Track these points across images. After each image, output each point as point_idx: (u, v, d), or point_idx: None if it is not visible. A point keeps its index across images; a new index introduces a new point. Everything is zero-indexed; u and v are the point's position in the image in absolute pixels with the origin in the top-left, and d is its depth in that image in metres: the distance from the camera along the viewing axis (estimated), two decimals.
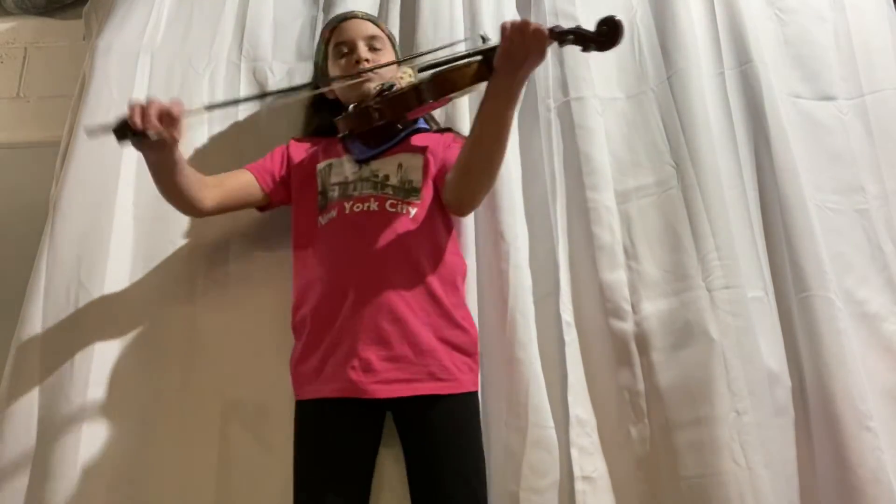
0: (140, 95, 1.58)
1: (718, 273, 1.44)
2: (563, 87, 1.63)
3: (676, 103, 1.59)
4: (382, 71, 1.38)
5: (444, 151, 1.39)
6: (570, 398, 1.37)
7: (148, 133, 1.11)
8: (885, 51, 1.76)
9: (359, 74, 1.36)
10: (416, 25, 1.66)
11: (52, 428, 1.31)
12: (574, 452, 1.34)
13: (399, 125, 1.36)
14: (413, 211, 1.32)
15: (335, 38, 1.45)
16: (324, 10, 1.74)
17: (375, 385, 1.22)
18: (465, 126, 1.52)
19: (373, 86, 1.34)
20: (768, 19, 1.76)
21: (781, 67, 1.70)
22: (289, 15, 1.74)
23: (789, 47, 1.73)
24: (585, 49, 1.18)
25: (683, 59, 1.63)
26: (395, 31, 1.64)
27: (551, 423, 1.34)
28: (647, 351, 1.42)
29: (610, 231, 1.50)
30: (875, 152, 1.66)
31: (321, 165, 1.40)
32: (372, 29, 1.45)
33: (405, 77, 1.35)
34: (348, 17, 1.47)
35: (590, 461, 1.35)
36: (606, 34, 1.16)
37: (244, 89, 1.63)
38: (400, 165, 1.36)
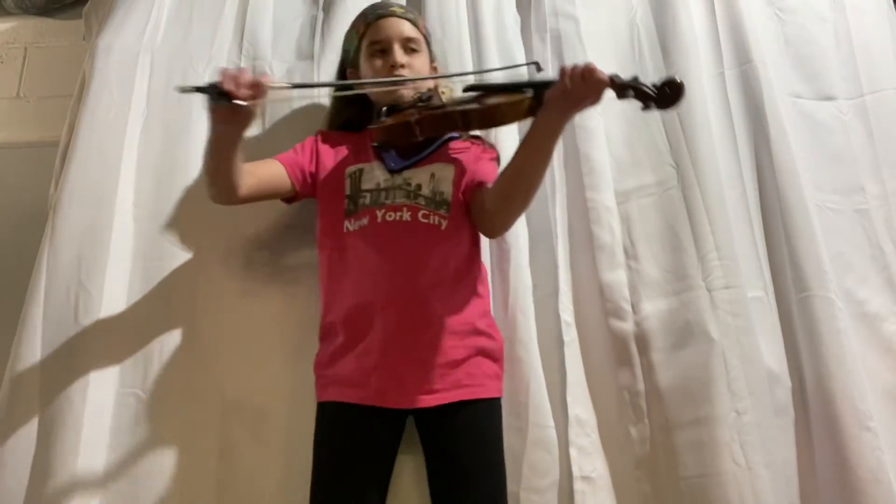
0: (140, 95, 1.58)
1: (718, 273, 1.44)
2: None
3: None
4: (418, 76, 1.38)
5: (475, 164, 1.38)
6: (569, 398, 1.37)
7: (236, 100, 1.10)
8: (885, 51, 1.76)
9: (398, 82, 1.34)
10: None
11: (53, 428, 1.31)
12: (573, 452, 1.34)
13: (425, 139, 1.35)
14: (444, 223, 1.32)
15: (371, 35, 1.41)
16: (324, 10, 1.74)
17: (403, 396, 1.23)
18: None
19: (408, 92, 1.34)
20: (768, 19, 1.76)
21: (781, 67, 1.70)
22: (289, 14, 1.74)
23: (789, 47, 1.74)
24: (646, 107, 1.17)
25: (683, 59, 1.63)
26: None
27: (552, 423, 1.34)
28: (647, 351, 1.42)
29: (610, 231, 1.50)
30: (875, 152, 1.66)
31: (351, 169, 1.37)
32: (409, 30, 1.41)
33: (445, 90, 1.33)
34: (386, 14, 1.42)
35: (589, 461, 1.35)
36: (669, 96, 1.16)
37: None
38: (432, 175, 1.34)
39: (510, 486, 1.28)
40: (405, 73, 1.36)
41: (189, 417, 1.37)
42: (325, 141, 1.43)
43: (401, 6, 1.48)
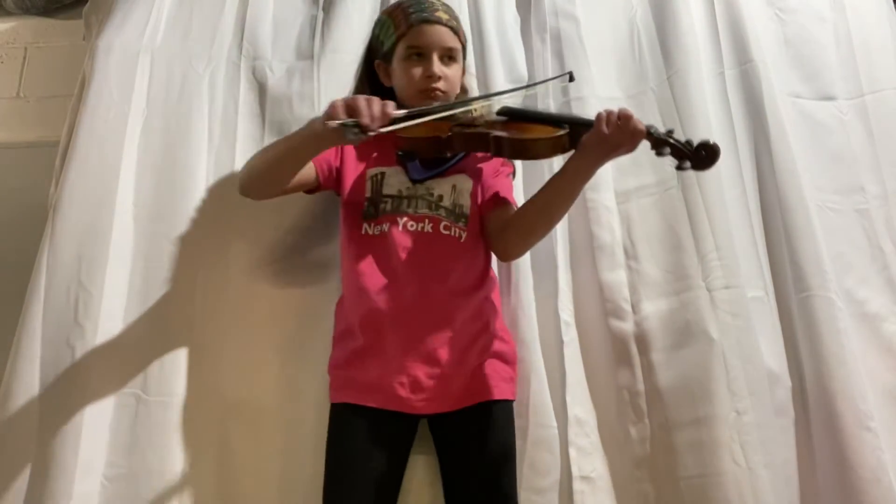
0: (140, 95, 1.58)
1: (718, 273, 1.44)
2: (564, 86, 1.63)
3: (676, 103, 1.59)
4: (451, 90, 1.37)
5: (493, 178, 1.39)
6: (568, 398, 1.37)
7: (367, 130, 1.08)
8: (885, 51, 1.76)
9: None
10: None
11: (53, 428, 1.31)
12: (573, 452, 1.34)
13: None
14: (464, 235, 1.33)
15: (411, 38, 1.37)
16: (324, 10, 1.73)
17: (421, 402, 1.24)
18: None
19: (438, 104, 1.32)
20: (768, 19, 1.76)
21: (781, 67, 1.70)
22: (289, 14, 1.74)
23: (789, 47, 1.74)
24: (680, 166, 1.17)
25: (683, 59, 1.63)
26: None
27: (553, 423, 1.34)
28: (647, 351, 1.42)
29: (610, 231, 1.50)
30: (875, 152, 1.66)
31: (373, 171, 1.36)
32: (451, 40, 1.38)
33: (479, 107, 1.32)
34: (431, 19, 1.37)
35: (588, 461, 1.35)
36: (704, 158, 1.16)
37: (244, 89, 1.62)
38: (454, 187, 1.35)
39: None
40: (441, 85, 1.35)
41: (189, 417, 1.37)
42: None
43: (446, 9, 1.43)
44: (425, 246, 1.29)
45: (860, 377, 1.40)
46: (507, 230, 1.33)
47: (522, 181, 1.54)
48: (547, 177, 1.32)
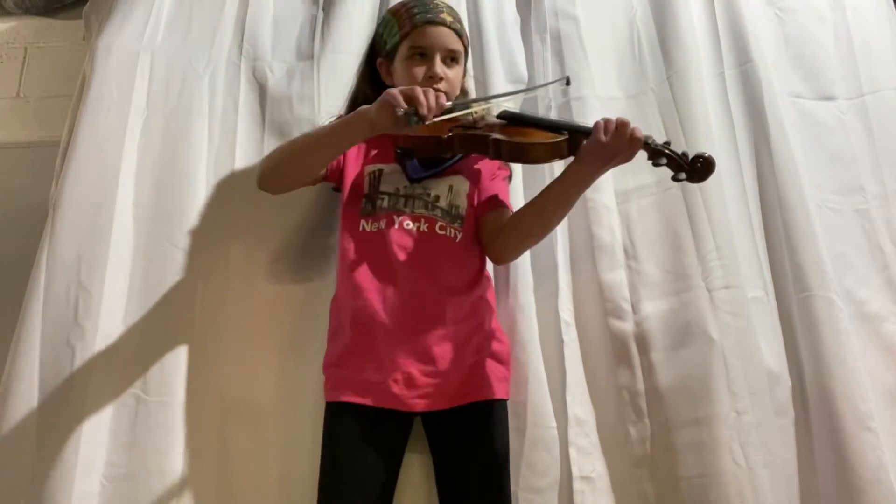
0: (140, 95, 1.58)
1: (718, 273, 1.44)
2: (563, 87, 1.63)
3: (676, 103, 1.59)
4: (452, 90, 1.38)
5: (489, 180, 1.41)
6: (568, 398, 1.37)
7: (425, 120, 1.11)
8: (885, 51, 1.76)
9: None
10: None
11: (52, 428, 1.31)
12: (573, 452, 1.34)
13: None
14: (459, 236, 1.33)
15: (414, 38, 1.38)
16: (324, 10, 1.73)
17: (416, 399, 1.24)
18: None
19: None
20: (768, 19, 1.76)
21: (781, 67, 1.70)
22: (289, 14, 1.74)
23: (789, 47, 1.74)
24: (675, 176, 1.19)
25: (683, 59, 1.63)
26: None
27: (552, 423, 1.34)
28: (647, 351, 1.41)
29: (610, 231, 1.50)
30: (875, 152, 1.66)
31: (371, 168, 1.37)
32: (454, 42, 1.40)
33: (479, 109, 1.32)
34: (436, 21, 1.39)
35: (588, 461, 1.35)
36: (700, 170, 1.18)
37: (244, 89, 1.63)
38: (451, 188, 1.36)
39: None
40: (442, 86, 1.36)
41: (189, 417, 1.37)
42: None
43: (450, 11, 1.45)
44: (421, 245, 1.30)
45: (860, 377, 1.40)
46: (501, 234, 1.34)
47: (522, 186, 1.54)
48: (547, 183, 1.33)
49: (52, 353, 1.36)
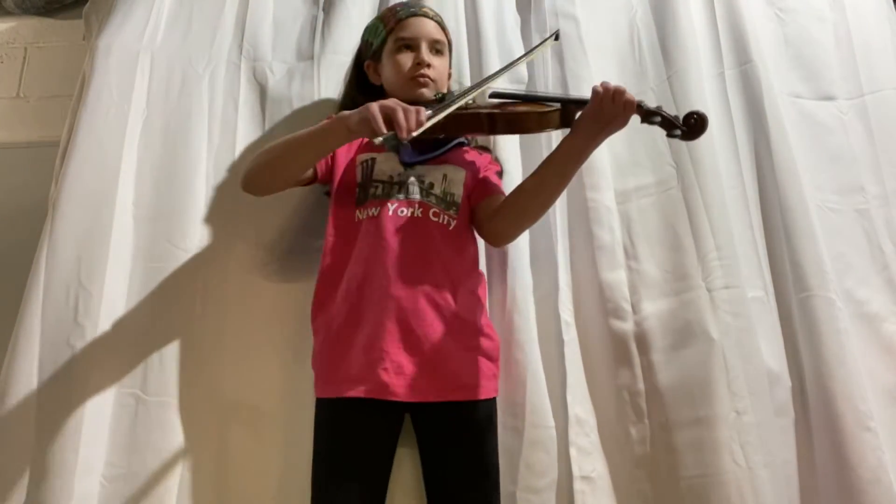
0: (140, 95, 1.58)
1: (718, 273, 1.44)
2: (564, 86, 1.63)
3: (676, 103, 1.59)
4: (440, 78, 1.40)
5: (483, 173, 1.41)
6: (569, 398, 1.37)
7: (403, 140, 1.11)
8: (885, 51, 1.76)
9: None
10: None
11: (52, 428, 1.31)
12: (573, 452, 1.34)
13: (448, 138, 1.36)
14: (453, 223, 1.33)
15: (400, 31, 1.41)
16: (324, 10, 1.74)
17: (406, 389, 1.22)
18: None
19: (427, 91, 1.36)
20: (768, 19, 1.76)
21: (781, 67, 1.70)
22: (289, 15, 1.74)
23: (789, 47, 1.74)
24: (670, 134, 1.22)
25: (683, 59, 1.63)
26: None
27: (550, 423, 1.34)
28: (647, 351, 1.42)
29: (610, 231, 1.50)
30: (875, 152, 1.66)
31: (363, 157, 1.37)
32: (438, 33, 1.43)
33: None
34: (419, 13, 1.44)
35: (589, 461, 1.35)
36: (693, 126, 1.20)
37: (244, 90, 1.63)
38: (445, 176, 1.36)
39: (507, 487, 1.29)
40: (430, 73, 1.38)
41: (188, 417, 1.37)
42: None
43: (433, 10, 1.48)
44: (414, 231, 1.29)
45: (860, 377, 1.40)
46: (499, 212, 1.34)
47: (522, 169, 1.54)
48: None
49: (52, 352, 1.36)
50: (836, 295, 1.46)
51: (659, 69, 1.66)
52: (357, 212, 1.33)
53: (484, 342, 1.30)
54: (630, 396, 1.40)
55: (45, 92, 2.00)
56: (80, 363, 1.36)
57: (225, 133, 1.58)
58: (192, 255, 1.48)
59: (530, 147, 1.57)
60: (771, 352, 1.44)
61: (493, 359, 1.31)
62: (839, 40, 1.75)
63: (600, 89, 1.20)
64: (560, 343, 1.42)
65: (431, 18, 1.45)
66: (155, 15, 1.68)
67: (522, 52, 1.70)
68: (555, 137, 1.33)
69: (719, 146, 1.57)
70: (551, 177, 1.28)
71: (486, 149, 1.50)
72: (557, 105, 1.26)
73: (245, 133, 1.58)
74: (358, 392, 1.22)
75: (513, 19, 1.76)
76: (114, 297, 1.42)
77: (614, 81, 1.64)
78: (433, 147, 1.36)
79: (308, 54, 1.68)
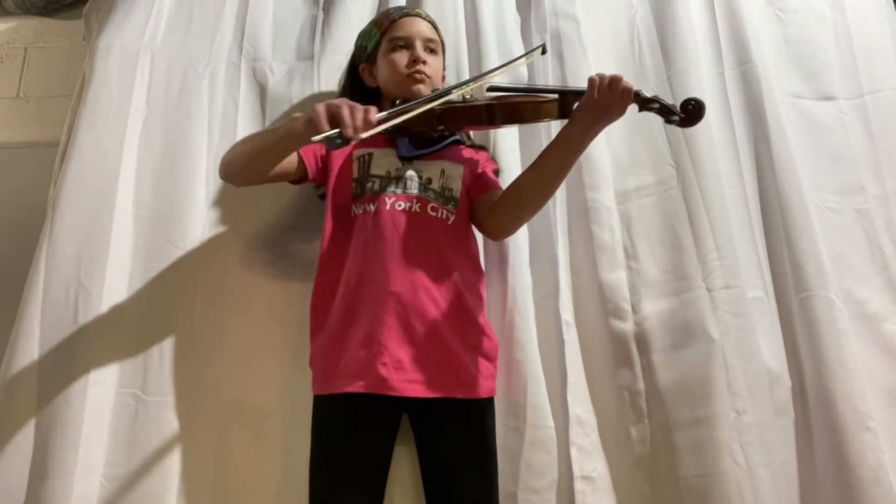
0: (140, 95, 1.58)
1: (718, 273, 1.44)
2: (564, 86, 1.63)
3: (676, 103, 1.58)
4: (434, 76, 1.41)
5: (481, 169, 1.42)
6: (569, 398, 1.37)
7: (349, 140, 1.07)
8: (885, 51, 1.76)
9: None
10: None
11: (52, 428, 1.31)
12: (573, 452, 1.34)
13: (446, 132, 1.37)
14: (452, 218, 1.34)
15: (394, 31, 1.43)
16: (324, 10, 1.74)
17: (405, 384, 1.21)
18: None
19: (424, 88, 1.37)
20: (768, 19, 1.76)
21: (781, 67, 1.70)
22: (289, 15, 1.74)
23: (789, 47, 1.74)
24: (668, 121, 1.24)
25: (683, 59, 1.63)
26: None
27: (550, 424, 1.34)
28: (647, 351, 1.42)
29: (610, 231, 1.50)
30: (875, 152, 1.66)
31: (359, 152, 1.37)
32: (431, 32, 1.45)
33: (467, 91, 1.33)
34: (411, 13, 1.47)
35: (589, 461, 1.35)
36: (691, 112, 1.22)
37: (244, 90, 1.63)
38: (443, 171, 1.36)
39: (508, 487, 1.29)
40: (425, 69, 1.39)
41: (188, 417, 1.37)
42: None
43: (423, 10, 1.51)
44: (412, 225, 1.29)
45: (860, 377, 1.40)
46: (498, 204, 1.34)
47: (521, 165, 1.54)
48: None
49: (52, 352, 1.36)
50: (836, 295, 1.46)
51: (659, 69, 1.66)
52: (354, 207, 1.33)
53: (483, 341, 1.30)
54: (630, 396, 1.40)
55: (45, 92, 2.00)
56: (79, 363, 1.36)
57: (225, 133, 1.58)
58: (192, 254, 1.48)
59: (530, 144, 1.57)
60: (771, 352, 1.44)
61: (491, 358, 1.31)
62: (839, 40, 1.75)
63: (597, 78, 1.21)
64: (560, 343, 1.42)
65: (424, 19, 1.47)
66: (155, 15, 1.68)
67: (522, 53, 1.70)
68: (554, 132, 1.32)
69: (719, 146, 1.57)
70: (550, 167, 1.29)
71: (482, 147, 1.50)
72: (556, 96, 1.27)
73: (245, 133, 1.57)
74: (356, 387, 1.21)
75: (513, 19, 1.76)
76: (114, 297, 1.42)
77: None
78: (431, 142, 1.37)
79: (308, 54, 1.68)
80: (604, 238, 1.49)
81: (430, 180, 1.35)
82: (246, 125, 1.59)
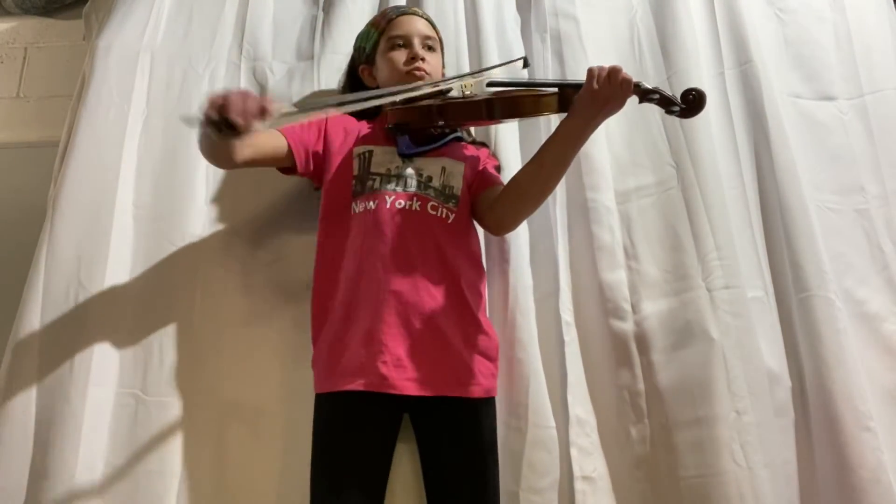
0: (140, 95, 1.58)
1: (718, 273, 1.44)
2: (563, 79, 1.62)
3: None
4: (434, 73, 1.41)
5: (482, 165, 1.41)
6: (569, 398, 1.37)
7: (240, 129, 1.02)
8: (885, 51, 1.76)
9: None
10: None
11: (51, 428, 1.31)
12: (574, 452, 1.34)
13: (447, 129, 1.37)
14: (452, 216, 1.33)
15: (391, 31, 1.43)
16: (324, 10, 1.74)
17: (405, 382, 1.21)
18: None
19: (425, 88, 1.35)
20: (768, 19, 1.76)
21: (781, 67, 1.70)
22: (289, 15, 1.74)
23: (789, 47, 1.74)
24: (669, 111, 1.23)
25: (683, 59, 1.63)
26: None
27: (552, 423, 1.34)
28: (647, 351, 1.42)
29: (610, 231, 1.50)
30: (875, 152, 1.66)
31: (360, 149, 1.37)
32: (429, 30, 1.46)
33: (467, 87, 1.35)
34: (408, 12, 1.47)
35: (589, 461, 1.35)
36: (691, 103, 1.21)
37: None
38: (444, 169, 1.36)
39: (510, 487, 1.29)
40: (425, 66, 1.39)
41: (188, 417, 1.37)
42: (334, 121, 1.42)
43: (422, 10, 1.52)
44: (412, 224, 1.29)
45: (860, 377, 1.40)
46: (499, 199, 1.33)
47: (521, 161, 1.53)
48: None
49: (52, 352, 1.36)
50: (836, 295, 1.46)
51: (659, 69, 1.66)
52: (353, 204, 1.32)
53: (483, 340, 1.30)
54: (630, 396, 1.40)
55: (45, 92, 2.00)
56: (79, 363, 1.36)
57: None
58: (192, 254, 1.48)
59: (530, 139, 1.57)
60: (771, 352, 1.44)
61: (491, 358, 1.31)
62: (839, 40, 1.75)
63: (596, 69, 1.20)
64: (560, 343, 1.42)
65: (421, 17, 1.48)
66: (155, 15, 1.68)
67: (522, 52, 1.70)
68: (554, 127, 1.32)
69: (719, 146, 1.57)
70: (550, 161, 1.28)
71: (483, 144, 1.51)
72: (555, 89, 1.27)
73: None
74: (357, 385, 1.21)
75: (513, 19, 1.76)
76: (114, 297, 1.42)
77: None
78: (431, 139, 1.37)
79: (308, 54, 1.68)
80: (604, 238, 1.49)
81: (430, 178, 1.34)
82: None
